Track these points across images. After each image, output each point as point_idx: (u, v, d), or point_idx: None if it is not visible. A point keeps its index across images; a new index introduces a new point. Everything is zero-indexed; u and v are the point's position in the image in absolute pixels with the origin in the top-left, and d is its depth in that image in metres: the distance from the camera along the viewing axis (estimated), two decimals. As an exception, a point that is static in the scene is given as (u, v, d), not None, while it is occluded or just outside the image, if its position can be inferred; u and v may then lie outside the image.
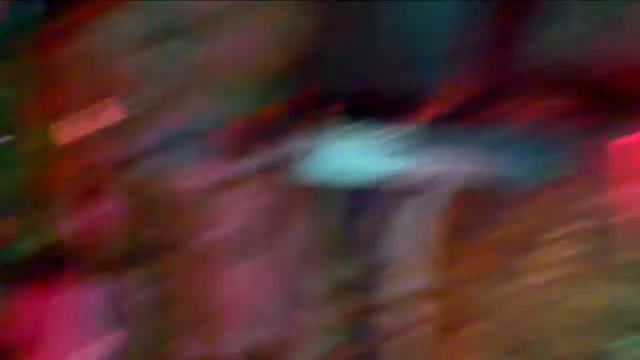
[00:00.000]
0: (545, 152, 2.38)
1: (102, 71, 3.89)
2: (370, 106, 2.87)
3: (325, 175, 2.73)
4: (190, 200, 3.92)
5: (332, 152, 2.52)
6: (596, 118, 3.58)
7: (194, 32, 3.82)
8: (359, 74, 2.93)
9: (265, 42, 3.80)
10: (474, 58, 2.96)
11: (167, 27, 3.83)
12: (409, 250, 2.78)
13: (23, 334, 2.88)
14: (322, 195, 2.91)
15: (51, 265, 3.19)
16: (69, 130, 3.16)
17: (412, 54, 2.89)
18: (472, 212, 3.72)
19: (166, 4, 3.80)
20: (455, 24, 2.91)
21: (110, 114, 3.61)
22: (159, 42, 3.84)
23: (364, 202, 2.92)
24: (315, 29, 2.85)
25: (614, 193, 3.53)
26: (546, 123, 3.60)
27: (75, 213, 3.82)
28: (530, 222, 3.68)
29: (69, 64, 3.84)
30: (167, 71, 3.89)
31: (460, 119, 3.37)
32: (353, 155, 2.51)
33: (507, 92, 3.64)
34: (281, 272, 2.45)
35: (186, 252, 3.89)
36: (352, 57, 2.94)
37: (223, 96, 3.87)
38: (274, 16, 3.77)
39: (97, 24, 3.85)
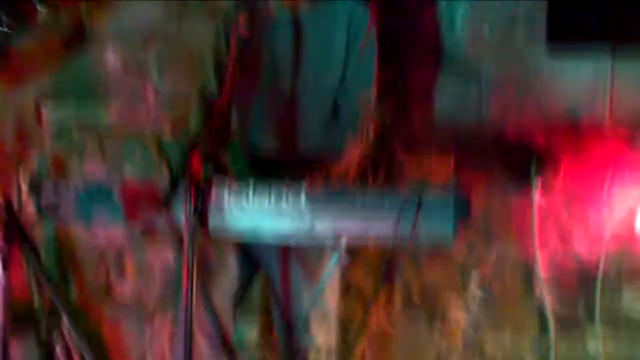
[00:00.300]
0: (445, 211, 2.50)
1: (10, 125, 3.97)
2: (273, 165, 2.99)
3: (229, 232, 2.82)
4: (101, 255, 3.99)
5: (236, 210, 2.61)
6: (495, 176, 3.77)
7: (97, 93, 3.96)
8: (263, 134, 3.06)
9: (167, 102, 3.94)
10: (375, 120, 3.13)
11: (74, 86, 3.95)
12: (310, 307, 2.87)
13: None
14: (224, 252, 3.00)
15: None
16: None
17: (314, 116, 3.03)
18: (372, 270, 3.87)
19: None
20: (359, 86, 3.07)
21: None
22: (64, 100, 3.96)
23: (266, 259, 3.02)
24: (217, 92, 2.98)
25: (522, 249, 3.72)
26: (448, 181, 3.79)
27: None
28: (430, 281, 3.84)
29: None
30: (71, 129, 4.00)
31: (363, 178, 3.52)
32: (256, 214, 2.60)
33: (410, 151, 3.81)
34: (195, 326, 2.52)
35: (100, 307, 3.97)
36: (256, 117, 3.06)
37: (124, 155, 4.01)
38: (175, 79, 3.93)
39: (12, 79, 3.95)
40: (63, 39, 3.96)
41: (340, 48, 3.00)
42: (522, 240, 3.70)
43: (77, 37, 3.95)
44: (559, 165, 3.62)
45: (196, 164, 2.42)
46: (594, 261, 3.63)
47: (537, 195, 3.63)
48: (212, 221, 2.59)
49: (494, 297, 3.74)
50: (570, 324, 3.66)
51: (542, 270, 3.67)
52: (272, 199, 2.57)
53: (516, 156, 3.67)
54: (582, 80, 3.64)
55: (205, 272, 2.91)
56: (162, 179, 3.76)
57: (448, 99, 3.70)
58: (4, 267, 2.54)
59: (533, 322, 3.69)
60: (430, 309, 3.78)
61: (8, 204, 2.58)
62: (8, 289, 2.55)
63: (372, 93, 3.06)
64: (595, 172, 3.62)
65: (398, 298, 3.80)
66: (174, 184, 2.39)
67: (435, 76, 3.71)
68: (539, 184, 3.61)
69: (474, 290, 3.75)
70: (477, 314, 3.75)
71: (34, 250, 2.60)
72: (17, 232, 2.55)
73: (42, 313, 3.53)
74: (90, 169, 3.95)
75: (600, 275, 3.61)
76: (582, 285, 3.67)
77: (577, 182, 3.65)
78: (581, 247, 3.67)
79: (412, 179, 3.74)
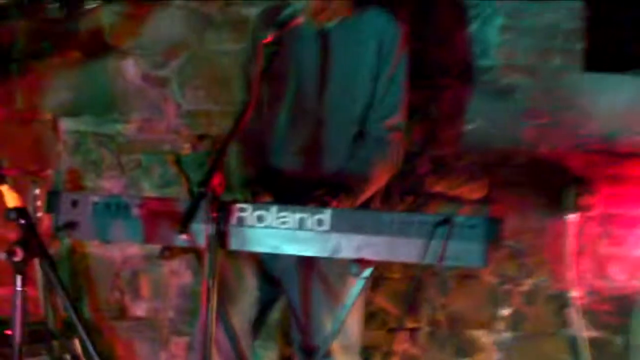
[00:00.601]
0: (476, 234, 2.49)
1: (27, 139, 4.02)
2: (297, 186, 2.99)
3: (250, 253, 2.83)
4: (116, 274, 4.02)
5: (257, 231, 2.61)
6: (529, 200, 3.75)
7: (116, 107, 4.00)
8: (288, 153, 3.06)
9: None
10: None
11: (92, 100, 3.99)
12: (332, 333, 2.87)
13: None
14: (244, 274, 3.01)
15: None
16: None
17: (341, 136, 3.03)
18: (397, 296, 3.86)
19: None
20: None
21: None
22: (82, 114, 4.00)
23: (287, 282, 3.03)
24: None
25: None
26: (478, 204, 3.78)
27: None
28: (458, 307, 3.82)
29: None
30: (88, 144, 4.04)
31: (390, 201, 3.52)
32: (278, 235, 2.60)
33: (440, 174, 3.81)
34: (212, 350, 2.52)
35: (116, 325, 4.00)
36: (281, 135, 3.06)
37: (143, 171, 4.03)
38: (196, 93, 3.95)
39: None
40: (83, 52, 4.00)
41: (370, 67, 2.98)
42: (557, 266, 3.68)
43: (97, 50, 3.99)
44: (595, 189, 3.60)
45: (217, 180, 2.42)
46: (633, 288, 3.61)
47: (572, 220, 3.62)
48: (233, 241, 2.60)
49: (526, 326, 3.72)
50: (607, 357, 3.63)
51: (577, 298, 3.65)
52: (296, 220, 2.57)
53: (551, 179, 3.65)
54: (620, 103, 3.63)
55: (224, 294, 2.91)
56: (182, 195, 3.81)
57: (480, 120, 3.70)
58: (23, 284, 2.56)
59: (567, 353, 3.67)
60: (458, 337, 3.76)
61: (27, 220, 2.60)
62: (25, 306, 2.57)
63: (402, 115, 3.04)
64: (633, 196, 3.60)
65: (425, 325, 3.79)
66: (194, 201, 2.39)
67: (467, 97, 3.72)
68: (575, 208, 3.60)
69: (505, 318, 3.73)
70: (507, 343, 3.73)
71: (52, 266, 2.61)
72: (36, 248, 2.57)
73: (55, 332, 3.55)
74: (108, 184, 3.99)
75: (639, 302, 3.59)
76: (619, 313, 3.64)
77: (614, 206, 3.63)
78: (618, 274, 3.65)
79: (442, 202, 3.74)
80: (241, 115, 2.59)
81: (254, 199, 2.84)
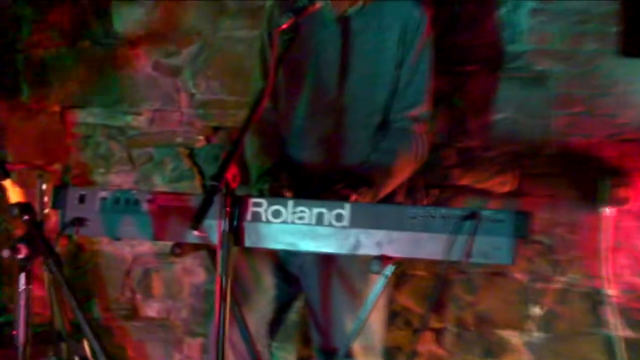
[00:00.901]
0: (504, 230, 2.48)
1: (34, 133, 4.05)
2: (316, 179, 2.99)
3: (266, 250, 2.83)
4: (127, 272, 4.04)
5: (274, 227, 2.60)
6: (561, 193, 3.73)
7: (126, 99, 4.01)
8: (306, 145, 3.06)
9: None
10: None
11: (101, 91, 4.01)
12: (353, 334, 2.86)
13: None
14: (261, 272, 3.01)
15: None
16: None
17: (362, 128, 3.01)
18: (421, 295, 3.84)
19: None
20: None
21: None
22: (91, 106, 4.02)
23: (305, 281, 3.02)
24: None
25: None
26: (507, 198, 3.76)
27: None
28: (486, 307, 3.81)
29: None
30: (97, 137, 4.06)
31: (414, 195, 3.51)
32: (295, 231, 2.59)
33: (466, 165, 3.79)
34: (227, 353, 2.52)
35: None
36: (299, 127, 3.06)
37: (154, 165, 4.05)
38: (210, 83, 3.95)
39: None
40: (91, 40, 4.01)
41: (392, 55, 2.94)
42: (591, 262, 3.65)
43: (106, 38, 3.99)
44: (632, 181, 3.57)
45: (231, 174, 2.42)
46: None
47: (607, 214, 3.60)
48: (247, 238, 2.59)
49: (558, 326, 3.70)
50: (644, 357, 3.61)
51: (612, 296, 3.63)
52: (313, 216, 2.56)
53: (584, 171, 3.63)
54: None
55: (240, 294, 2.91)
56: (195, 190, 3.82)
57: (509, 109, 3.67)
58: (27, 282, 2.57)
59: (602, 355, 3.65)
60: (486, 338, 3.75)
61: (32, 216, 2.60)
62: (30, 305, 2.58)
63: (427, 104, 3.01)
64: (672, 189, 3.57)
65: (451, 325, 3.78)
66: (207, 196, 2.39)
67: (496, 85, 3.69)
68: (610, 201, 3.57)
69: (536, 317, 3.71)
70: (539, 344, 3.71)
71: (59, 265, 2.62)
72: (41, 245, 2.58)
73: (63, 333, 3.56)
74: (118, 179, 4.00)
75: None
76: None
77: (652, 200, 3.60)
78: (656, 271, 3.62)
79: (469, 195, 3.72)
80: (256, 105, 2.57)
81: (275, 193, 2.83)
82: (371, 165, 2.93)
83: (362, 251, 2.51)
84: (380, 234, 2.50)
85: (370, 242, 2.50)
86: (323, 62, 3.00)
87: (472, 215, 2.42)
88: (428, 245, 2.46)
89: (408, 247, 2.48)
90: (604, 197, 3.56)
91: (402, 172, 2.98)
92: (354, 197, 2.75)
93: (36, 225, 2.56)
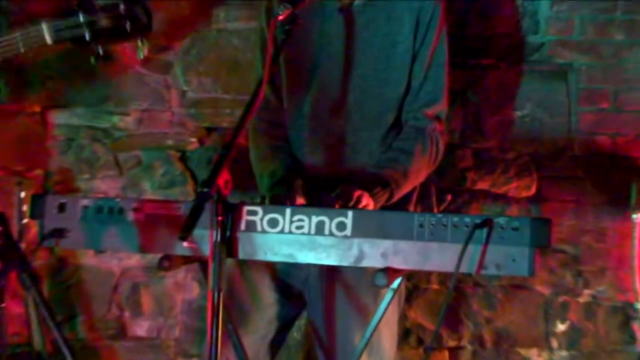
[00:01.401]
0: (522, 238, 2.48)
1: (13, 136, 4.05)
2: (318, 183, 2.99)
3: (264, 263, 2.83)
4: (114, 288, 4.05)
5: (271, 237, 2.60)
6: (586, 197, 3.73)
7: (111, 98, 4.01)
8: (308, 146, 3.06)
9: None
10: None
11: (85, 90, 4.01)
12: (360, 353, 2.87)
13: None
14: (259, 287, 3.01)
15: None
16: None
17: (370, 128, 3.01)
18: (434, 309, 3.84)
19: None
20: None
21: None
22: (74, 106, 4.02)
23: (308, 296, 3.02)
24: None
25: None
26: (526, 203, 3.76)
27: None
28: (505, 322, 3.81)
29: None
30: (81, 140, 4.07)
31: (425, 202, 3.50)
32: (295, 241, 2.59)
33: (482, 168, 3.79)
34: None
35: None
36: (302, 126, 3.06)
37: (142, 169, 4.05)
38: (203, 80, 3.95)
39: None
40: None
41: (406, 48, 2.93)
42: (620, 274, 3.65)
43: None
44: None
45: (223, 179, 2.41)
46: None
47: (638, 221, 3.60)
48: (241, 249, 2.59)
49: (584, 343, 3.69)
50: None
51: (644, 310, 3.63)
52: (313, 225, 2.55)
53: (612, 173, 3.63)
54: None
55: (237, 311, 2.91)
56: (187, 196, 3.82)
57: (529, 105, 3.68)
58: (0, 300, 2.58)
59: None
60: (506, 357, 3.74)
61: (5, 227, 2.61)
62: (3, 325, 2.59)
63: (444, 102, 2.99)
64: None
65: (467, 343, 3.77)
66: (197, 203, 2.39)
67: (513, 79, 3.69)
68: (640, 206, 3.58)
69: (560, 334, 3.71)
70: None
71: (34, 280, 2.62)
72: (16, 260, 2.58)
73: (43, 353, 3.57)
74: (104, 186, 4.00)
75: None
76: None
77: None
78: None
79: (486, 201, 3.72)
80: (250, 103, 2.57)
81: (285, 201, 2.83)
82: (386, 165, 2.92)
83: (366, 263, 2.49)
84: (385, 244, 2.47)
85: (374, 253, 2.48)
86: (327, 57, 2.98)
87: (485, 223, 2.41)
88: (438, 256, 2.44)
89: (416, 259, 2.45)
90: (634, 202, 3.56)
91: (418, 175, 2.96)
92: (365, 198, 2.74)
93: (9, 236, 2.57)
